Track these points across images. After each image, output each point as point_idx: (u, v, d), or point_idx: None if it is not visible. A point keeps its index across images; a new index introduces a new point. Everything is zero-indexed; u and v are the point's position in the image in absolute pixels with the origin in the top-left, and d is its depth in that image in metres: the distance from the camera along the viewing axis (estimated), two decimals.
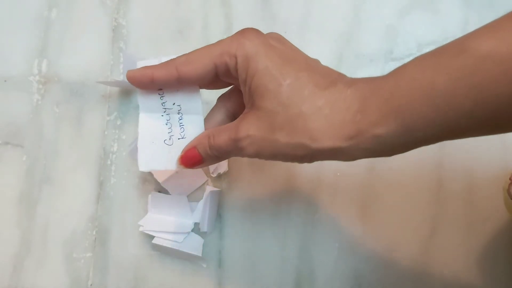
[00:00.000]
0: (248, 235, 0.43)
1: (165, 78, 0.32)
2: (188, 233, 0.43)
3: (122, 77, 0.46)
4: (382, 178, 0.44)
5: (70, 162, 0.45)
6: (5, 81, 0.47)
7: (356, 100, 0.28)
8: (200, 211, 0.43)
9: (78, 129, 0.46)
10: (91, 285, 0.44)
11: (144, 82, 0.33)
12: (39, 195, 0.45)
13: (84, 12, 0.48)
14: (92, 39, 0.47)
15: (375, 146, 0.28)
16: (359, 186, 0.44)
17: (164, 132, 0.35)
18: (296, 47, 0.32)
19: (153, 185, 0.44)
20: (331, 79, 0.30)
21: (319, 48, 0.46)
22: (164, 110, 0.34)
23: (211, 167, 0.44)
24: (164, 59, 0.33)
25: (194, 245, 0.43)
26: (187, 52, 0.32)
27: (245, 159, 0.44)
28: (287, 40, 0.32)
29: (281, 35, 0.33)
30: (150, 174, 0.44)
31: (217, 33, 0.47)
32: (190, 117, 0.35)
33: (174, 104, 0.34)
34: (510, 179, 0.38)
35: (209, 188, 0.43)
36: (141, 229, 0.43)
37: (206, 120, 0.35)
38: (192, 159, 0.34)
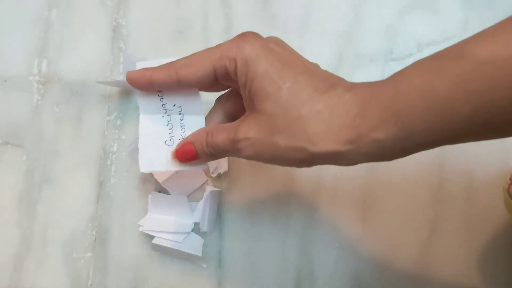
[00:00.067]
0: (248, 235, 0.43)
1: (164, 80, 0.32)
2: (188, 233, 0.43)
3: (122, 77, 0.46)
4: (382, 178, 0.44)
5: (70, 162, 0.45)
6: (5, 81, 0.47)
7: (355, 105, 0.28)
8: (200, 211, 0.43)
9: (78, 129, 0.46)
10: (91, 285, 0.44)
11: (143, 84, 0.33)
12: (39, 195, 0.45)
13: (84, 12, 0.48)
14: (92, 39, 0.47)
15: (375, 150, 0.28)
16: (359, 187, 0.44)
17: (165, 133, 0.35)
18: (296, 51, 0.32)
19: (153, 185, 0.44)
20: (330, 83, 0.30)
21: (319, 48, 0.46)
22: (164, 111, 0.34)
23: (211, 167, 0.44)
24: (164, 60, 0.33)
25: (194, 245, 0.43)
26: (187, 55, 0.32)
27: (245, 160, 0.44)
28: (287, 44, 0.32)
29: (280, 39, 0.33)
30: (150, 174, 0.44)
31: (217, 33, 0.47)
32: (192, 118, 0.35)
33: (174, 105, 0.34)
34: (510, 179, 0.38)
35: (209, 188, 0.43)
36: (141, 229, 0.43)
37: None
38: (187, 154, 0.34)
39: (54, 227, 0.44)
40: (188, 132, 0.35)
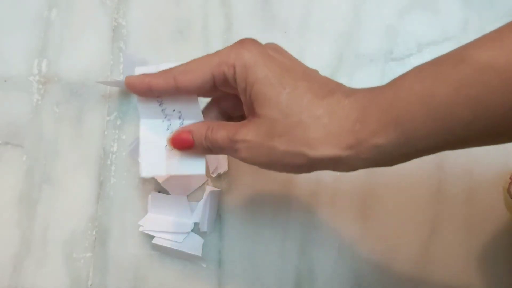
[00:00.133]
0: (248, 235, 0.43)
1: (163, 87, 0.32)
2: (188, 233, 0.43)
3: (122, 77, 0.46)
4: (382, 178, 0.44)
5: (70, 162, 0.45)
6: (5, 81, 0.47)
7: (355, 110, 0.28)
8: (200, 211, 0.43)
9: (78, 129, 0.46)
10: (91, 285, 0.44)
11: (142, 90, 0.33)
12: (39, 195, 0.45)
13: (84, 12, 0.48)
14: (92, 39, 0.47)
15: (375, 155, 0.28)
16: (359, 187, 0.44)
17: (165, 137, 0.35)
18: (294, 57, 0.32)
19: (153, 185, 0.44)
20: (330, 88, 0.30)
21: (319, 48, 0.46)
22: (164, 116, 0.35)
23: (211, 167, 0.44)
24: (163, 66, 0.33)
25: (194, 245, 0.43)
26: (185, 62, 0.32)
27: None
28: (285, 51, 0.33)
29: (279, 46, 0.33)
30: None
31: (217, 33, 0.47)
32: (191, 123, 0.35)
33: (174, 110, 0.35)
34: (510, 178, 0.38)
35: (209, 188, 0.43)
36: (141, 229, 0.43)
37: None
38: (184, 142, 0.34)
39: (54, 227, 0.44)
40: None
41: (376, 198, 0.43)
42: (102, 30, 0.47)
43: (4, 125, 0.46)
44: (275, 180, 0.44)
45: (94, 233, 0.44)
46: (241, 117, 0.34)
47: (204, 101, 0.35)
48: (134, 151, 0.43)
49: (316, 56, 0.45)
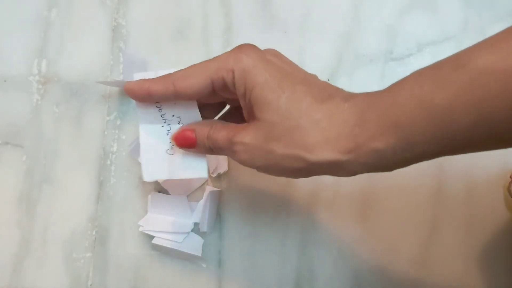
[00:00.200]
0: (248, 235, 0.43)
1: (162, 92, 0.32)
2: (188, 233, 0.43)
3: (122, 77, 0.46)
4: (382, 178, 0.44)
5: (70, 162, 0.45)
6: (5, 81, 0.47)
7: (354, 114, 0.28)
8: (200, 211, 0.43)
9: (78, 129, 0.46)
10: (91, 285, 0.44)
11: (141, 95, 0.33)
12: (39, 195, 0.45)
13: (84, 12, 0.48)
14: (92, 39, 0.47)
15: (374, 160, 0.28)
16: (359, 187, 0.44)
17: (166, 142, 0.35)
18: (293, 62, 0.33)
19: (153, 185, 0.44)
20: (329, 93, 0.30)
21: (319, 48, 0.46)
22: (164, 121, 0.35)
23: (211, 167, 0.44)
24: (161, 72, 0.33)
25: (194, 245, 0.43)
26: (184, 68, 0.33)
27: None
28: (284, 56, 0.33)
29: (278, 51, 0.33)
30: None
31: (217, 33, 0.47)
32: None
33: (173, 115, 0.35)
34: (510, 177, 0.38)
35: (209, 188, 0.43)
36: (141, 229, 0.43)
37: None
38: (187, 140, 0.34)
39: (54, 227, 0.44)
40: None
41: (376, 198, 0.43)
42: (102, 30, 0.47)
43: (4, 125, 0.46)
44: (275, 180, 0.44)
45: (94, 233, 0.44)
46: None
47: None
48: (134, 151, 0.43)
49: (316, 56, 0.45)
